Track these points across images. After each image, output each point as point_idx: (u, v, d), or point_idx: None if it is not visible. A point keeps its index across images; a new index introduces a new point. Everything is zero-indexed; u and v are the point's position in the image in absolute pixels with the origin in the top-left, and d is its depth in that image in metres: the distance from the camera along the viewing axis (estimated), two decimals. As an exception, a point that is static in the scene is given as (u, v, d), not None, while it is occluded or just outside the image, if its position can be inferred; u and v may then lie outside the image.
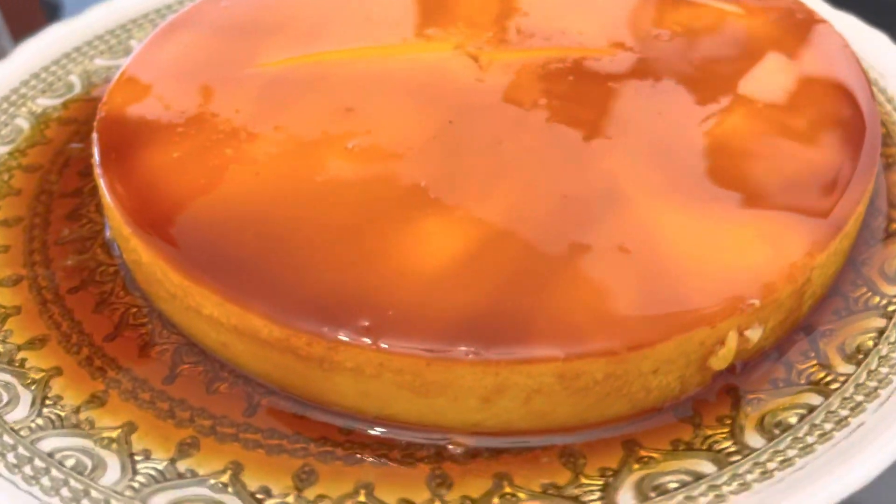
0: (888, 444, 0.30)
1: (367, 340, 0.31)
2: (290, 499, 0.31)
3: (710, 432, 0.32)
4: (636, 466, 0.31)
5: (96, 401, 0.34)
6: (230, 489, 0.31)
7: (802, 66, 0.42)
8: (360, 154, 0.38)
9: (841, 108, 0.40)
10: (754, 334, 0.32)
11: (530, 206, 0.35)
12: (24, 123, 0.47)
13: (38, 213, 0.43)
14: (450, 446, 0.32)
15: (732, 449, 0.31)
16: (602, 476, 0.31)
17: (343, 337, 0.31)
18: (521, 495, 0.30)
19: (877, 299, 0.35)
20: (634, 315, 0.31)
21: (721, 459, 0.31)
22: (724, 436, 0.31)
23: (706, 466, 0.31)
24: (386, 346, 0.31)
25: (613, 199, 0.35)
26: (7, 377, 0.35)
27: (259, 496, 0.31)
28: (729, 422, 0.32)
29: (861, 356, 0.33)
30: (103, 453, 0.32)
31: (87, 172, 0.45)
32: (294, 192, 0.36)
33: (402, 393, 0.31)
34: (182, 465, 0.32)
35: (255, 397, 0.34)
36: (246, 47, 0.45)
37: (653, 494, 0.30)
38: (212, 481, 0.31)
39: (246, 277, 0.33)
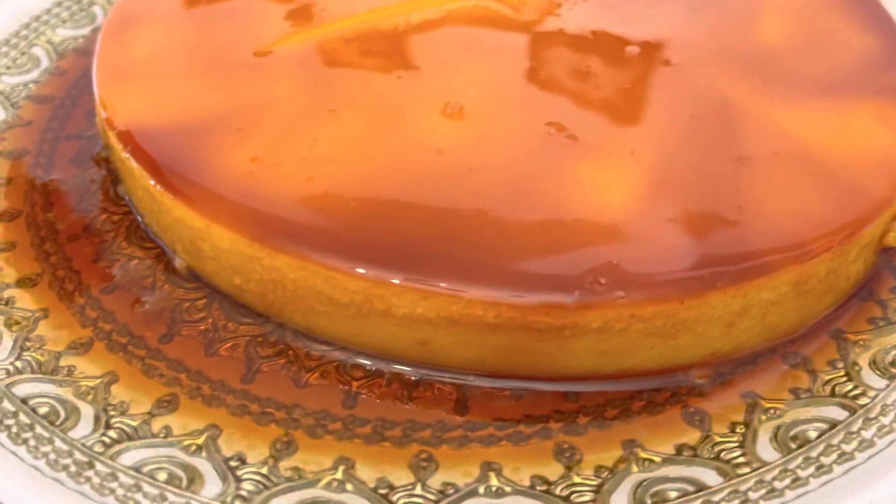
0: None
1: (622, 294, 0.29)
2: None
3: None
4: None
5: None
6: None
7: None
8: (465, 114, 0.35)
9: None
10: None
11: (672, 130, 0.35)
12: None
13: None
14: (697, 380, 0.31)
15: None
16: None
17: (590, 298, 0.29)
18: (779, 405, 0.31)
19: None
20: (832, 210, 0.32)
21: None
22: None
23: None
24: (639, 295, 0.29)
25: (732, 111, 0.36)
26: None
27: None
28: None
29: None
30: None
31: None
32: (423, 166, 0.33)
33: (647, 341, 0.30)
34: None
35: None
36: (230, 31, 0.40)
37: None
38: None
39: (448, 265, 0.30)
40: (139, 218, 0.37)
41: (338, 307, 0.31)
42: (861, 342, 0.32)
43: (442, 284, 0.29)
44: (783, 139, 0.34)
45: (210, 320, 0.33)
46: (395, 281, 0.30)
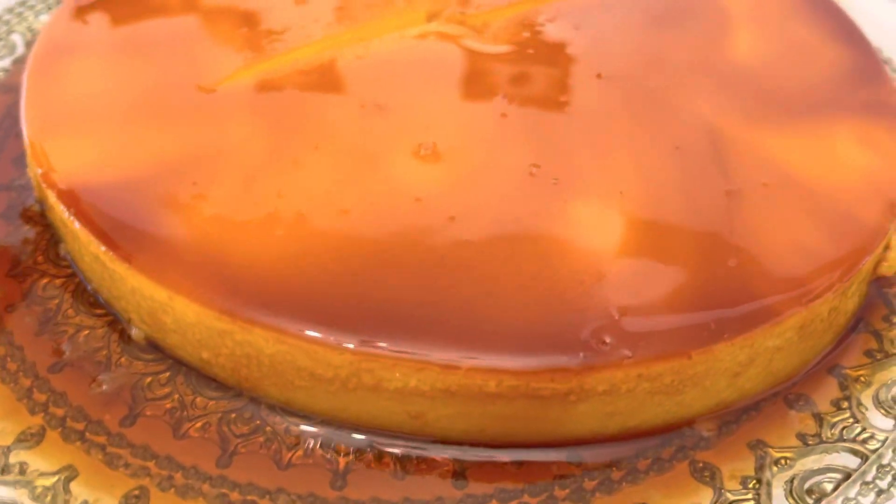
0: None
1: (628, 353, 0.27)
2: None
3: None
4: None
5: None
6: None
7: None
8: (439, 155, 0.33)
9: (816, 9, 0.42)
10: (903, 231, 0.33)
11: (658, 165, 0.33)
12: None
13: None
14: (703, 432, 0.30)
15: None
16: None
17: (597, 360, 0.27)
18: (788, 454, 0.29)
19: None
20: (830, 244, 0.31)
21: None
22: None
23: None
24: (646, 353, 0.27)
25: (716, 139, 0.34)
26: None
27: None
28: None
29: None
30: None
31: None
32: (402, 218, 0.31)
33: (654, 399, 0.29)
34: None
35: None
36: (176, 63, 0.36)
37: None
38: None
39: (443, 332, 0.27)
40: (86, 283, 0.33)
41: (321, 382, 0.28)
42: (861, 378, 0.32)
43: (437, 355, 0.27)
44: (770, 168, 0.33)
45: (176, 396, 0.30)
46: (386, 353, 0.27)
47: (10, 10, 0.46)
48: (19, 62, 0.44)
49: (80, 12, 0.40)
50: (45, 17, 0.46)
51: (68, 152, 0.33)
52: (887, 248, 0.33)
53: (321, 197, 0.31)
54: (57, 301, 0.33)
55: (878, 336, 0.33)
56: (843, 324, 0.32)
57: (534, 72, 0.36)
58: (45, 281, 0.34)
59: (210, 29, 0.38)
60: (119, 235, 0.30)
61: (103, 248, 0.30)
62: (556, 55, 0.37)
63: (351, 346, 0.27)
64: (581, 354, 0.27)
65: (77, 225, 0.31)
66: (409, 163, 0.32)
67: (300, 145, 0.33)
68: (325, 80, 0.36)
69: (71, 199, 0.31)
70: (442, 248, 0.30)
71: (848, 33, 0.41)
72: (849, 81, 0.38)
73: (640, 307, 0.28)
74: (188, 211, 0.30)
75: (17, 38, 0.45)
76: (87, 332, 0.32)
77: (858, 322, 0.33)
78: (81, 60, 0.37)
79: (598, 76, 0.36)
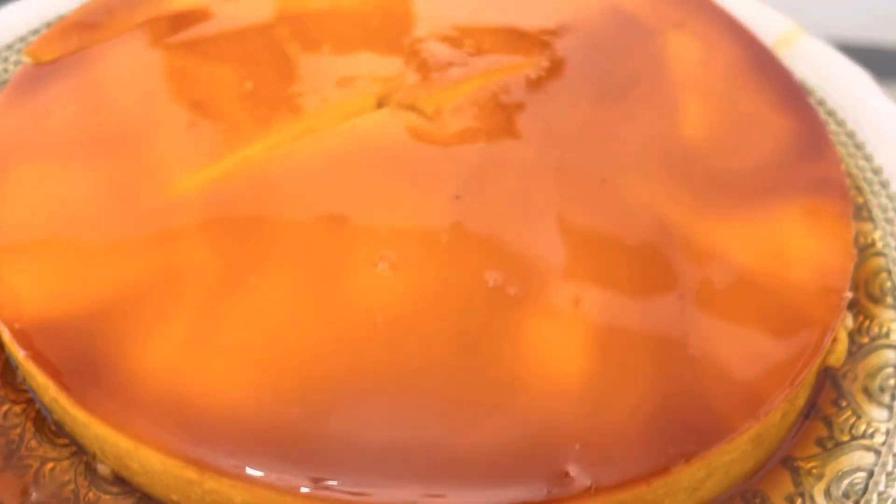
0: None
1: (590, 484, 0.28)
2: None
3: None
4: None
5: None
6: None
7: (706, 37, 0.44)
8: (399, 268, 0.33)
9: (761, 69, 0.43)
10: (849, 321, 0.35)
11: (612, 268, 0.33)
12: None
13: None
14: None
15: None
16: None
17: (561, 492, 0.28)
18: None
19: (863, 427, 0.33)
20: (782, 349, 0.32)
21: None
22: None
23: None
24: (608, 483, 0.28)
25: (667, 234, 0.35)
26: None
27: None
28: None
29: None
30: None
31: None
32: (364, 345, 0.31)
33: (616, 521, 0.29)
34: None
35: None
36: (128, 170, 0.36)
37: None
38: None
39: (417, 471, 0.28)
40: (47, 413, 0.33)
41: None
42: (813, 470, 0.33)
43: (403, 494, 0.28)
44: (720, 265, 0.34)
45: (147, 531, 0.31)
46: (351, 499, 0.28)
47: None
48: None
49: (25, 101, 0.39)
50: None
51: (19, 283, 0.32)
52: (835, 340, 0.34)
53: (279, 327, 0.31)
54: (19, 430, 0.33)
55: (828, 423, 0.34)
56: (794, 420, 0.33)
57: (487, 166, 0.37)
58: (4, 408, 0.33)
59: (160, 126, 0.37)
60: (78, 380, 0.30)
61: (63, 395, 0.30)
62: (508, 146, 0.37)
63: (308, 490, 0.27)
64: (545, 489, 0.28)
65: (33, 366, 0.31)
66: (369, 279, 0.32)
67: (255, 267, 0.33)
68: (278, 186, 0.35)
69: (25, 339, 0.31)
70: (405, 378, 0.30)
71: (794, 99, 0.41)
72: (795, 156, 0.38)
73: (601, 436, 0.29)
74: (147, 349, 0.30)
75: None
76: (51, 464, 0.32)
77: (810, 408, 0.35)
78: (29, 166, 0.36)
79: (554, 167, 0.36)
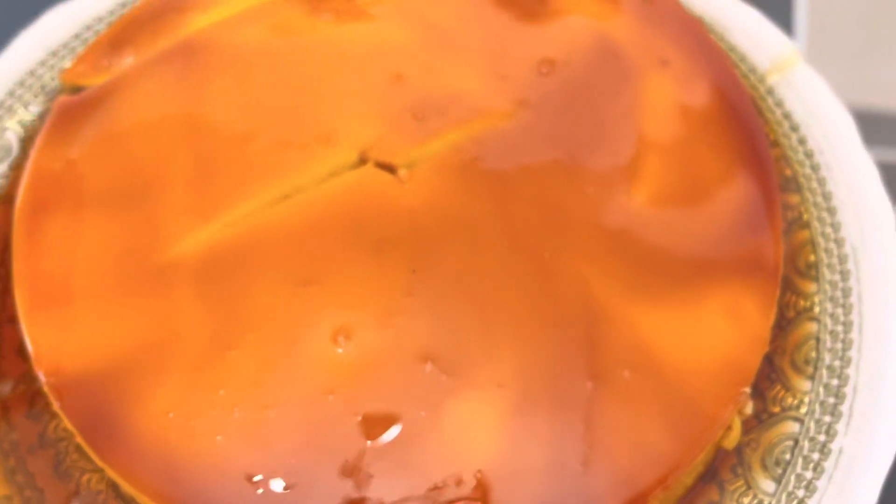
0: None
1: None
2: None
3: None
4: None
5: None
6: None
7: (686, 82, 0.45)
8: (353, 340, 0.39)
9: (730, 128, 0.44)
10: (748, 409, 0.39)
11: (537, 349, 0.38)
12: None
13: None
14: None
15: None
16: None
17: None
18: None
19: (790, 398, 0.40)
20: (670, 443, 0.37)
21: None
22: None
23: None
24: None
25: (595, 318, 0.39)
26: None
27: None
28: None
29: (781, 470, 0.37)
30: None
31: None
32: (317, 416, 0.37)
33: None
34: None
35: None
36: (140, 224, 0.42)
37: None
38: None
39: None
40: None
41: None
42: (696, 530, 0.39)
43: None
44: (637, 352, 0.38)
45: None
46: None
47: (1, 105, 0.51)
48: (15, 168, 0.49)
49: (62, 144, 0.45)
50: (34, 108, 0.51)
51: (51, 339, 0.40)
52: (729, 428, 0.38)
53: (252, 391, 0.38)
54: (65, 444, 0.42)
55: (721, 487, 0.40)
56: (681, 494, 0.39)
57: (445, 239, 0.41)
58: (53, 424, 0.43)
59: (165, 180, 0.43)
60: (93, 434, 0.38)
61: (84, 445, 0.38)
62: (468, 217, 0.41)
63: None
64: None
65: (64, 416, 0.39)
66: (327, 351, 0.39)
67: (236, 330, 0.39)
68: (260, 250, 0.41)
69: (55, 391, 0.39)
70: (347, 452, 0.37)
71: (755, 161, 0.43)
72: (736, 231, 0.41)
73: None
74: (145, 409, 0.38)
75: (11, 137, 0.50)
76: (88, 476, 0.41)
77: (708, 470, 0.40)
78: (59, 217, 0.43)
79: (503, 245, 0.41)
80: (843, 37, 0.52)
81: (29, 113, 0.51)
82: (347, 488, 0.36)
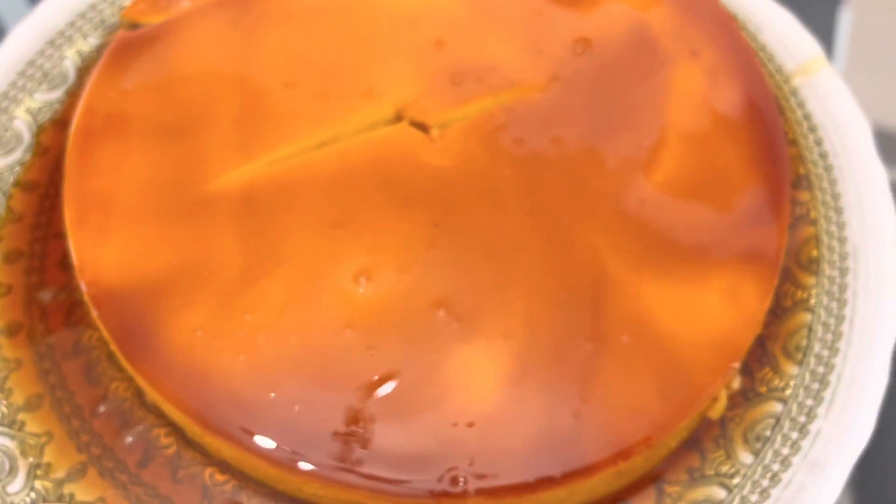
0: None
1: (473, 494, 0.38)
2: None
3: None
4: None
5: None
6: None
7: (711, 77, 0.47)
8: (373, 282, 0.42)
9: (752, 127, 0.46)
10: (736, 384, 0.41)
11: (546, 309, 0.41)
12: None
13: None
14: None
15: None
16: (648, 514, 0.41)
17: (450, 490, 0.38)
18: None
19: (777, 380, 0.42)
20: (658, 406, 0.39)
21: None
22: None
23: None
24: (485, 491, 0.38)
25: (602, 285, 0.42)
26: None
27: None
28: None
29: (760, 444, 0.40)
30: None
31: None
32: (331, 346, 0.40)
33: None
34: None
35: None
36: (186, 156, 0.45)
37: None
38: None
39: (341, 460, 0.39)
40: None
41: (279, 481, 0.40)
42: (673, 495, 0.41)
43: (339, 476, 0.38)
44: (638, 321, 0.41)
45: (174, 448, 0.43)
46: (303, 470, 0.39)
47: (62, 34, 0.54)
48: (71, 95, 0.52)
49: (118, 76, 0.48)
50: (92, 40, 0.54)
51: (94, 253, 0.43)
52: (716, 399, 0.41)
53: (276, 318, 0.41)
54: (97, 353, 0.45)
55: (702, 455, 0.42)
56: (664, 455, 0.42)
57: (469, 198, 0.43)
58: (88, 333, 0.46)
59: (213, 117, 0.46)
60: (128, 344, 0.41)
61: (117, 352, 0.41)
62: (493, 178, 0.44)
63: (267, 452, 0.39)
64: (435, 488, 0.38)
65: (99, 324, 0.42)
66: (348, 289, 0.41)
67: (267, 262, 0.42)
68: (296, 191, 0.44)
69: (94, 300, 0.42)
70: (357, 381, 0.40)
71: (772, 156, 0.45)
72: (744, 220, 0.43)
73: (491, 457, 0.38)
74: (176, 326, 0.41)
75: (68, 65, 0.53)
76: (115, 383, 0.45)
77: (691, 438, 0.42)
78: (109, 145, 0.46)
79: (525, 209, 0.43)
80: (882, 57, 0.54)
81: (87, 44, 0.53)
82: (352, 414, 0.39)
